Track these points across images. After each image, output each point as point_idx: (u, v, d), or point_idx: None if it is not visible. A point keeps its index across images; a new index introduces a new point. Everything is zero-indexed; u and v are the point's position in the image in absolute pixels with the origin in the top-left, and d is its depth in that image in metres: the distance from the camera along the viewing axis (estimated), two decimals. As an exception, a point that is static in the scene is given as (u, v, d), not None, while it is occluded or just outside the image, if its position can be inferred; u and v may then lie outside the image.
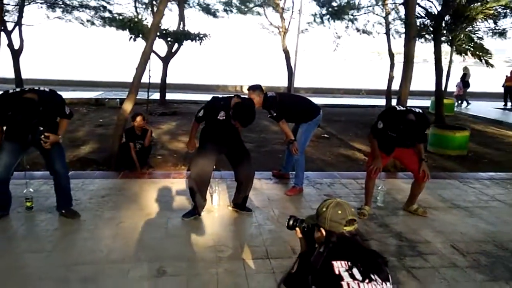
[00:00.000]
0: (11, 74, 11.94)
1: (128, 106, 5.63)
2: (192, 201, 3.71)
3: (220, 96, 3.75)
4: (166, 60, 12.43)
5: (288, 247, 3.23)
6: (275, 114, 4.32)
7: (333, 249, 1.73)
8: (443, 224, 3.79)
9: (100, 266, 2.83)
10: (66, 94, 14.10)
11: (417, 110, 3.71)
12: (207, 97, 14.59)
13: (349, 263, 1.66)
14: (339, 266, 1.64)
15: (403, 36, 15.02)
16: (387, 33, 14.38)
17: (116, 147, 5.57)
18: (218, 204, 4.02)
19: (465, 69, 15.39)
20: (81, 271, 2.75)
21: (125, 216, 3.69)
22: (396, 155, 4.07)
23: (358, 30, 15.10)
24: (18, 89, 3.34)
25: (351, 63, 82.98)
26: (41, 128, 3.35)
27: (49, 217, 3.60)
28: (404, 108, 3.82)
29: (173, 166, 6.02)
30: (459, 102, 15.06)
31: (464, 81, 15.23)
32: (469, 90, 15.70)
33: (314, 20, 15.20)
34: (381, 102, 15.07)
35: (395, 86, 14.52)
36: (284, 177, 5.01)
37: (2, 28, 10.05)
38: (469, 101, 15.27)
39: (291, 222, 2.00)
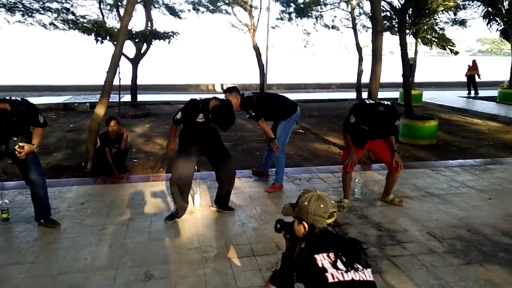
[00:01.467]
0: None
1: (100, 111, 5.52)
2: (174, 203, 3.71)
3: (198, 98, 3.75)
4: (135, 61, 12.24)
5: (272, 243, 3.29)
6: (253, 114, 4.37)
7: (314, 242, 1.78)
8: (418, 213, 3.96)
9: (85, 274, 2.80)
10: (33, 100, 13.60)
11: (386, 102, 3.86)
12: (179, 97, 14.47)
13: (331, 254, 1.71)
14: (322, 259, 1.69)
15: (369, 30, 15.43)
16: (354, 27, 14.70)
17: (91, 153, 5.47)
18: (200, 205, 4.03)
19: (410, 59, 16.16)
20: (66, 280, 2.71)
21: (106, 222, 3.65)
22: (369, 148, 4.21)
23: (326, 26, 15.36)
24: None
25: (320, 57, 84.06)
26: (15, 139, 3.26)
27: (27, 228, 3.52)
28: (374, 101, 3.96)
29: (150, 169, 5.97)
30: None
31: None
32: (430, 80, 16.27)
33: (282, 18, 15.36)
34: (352, 95, 15.38)
35: (365, 79, 14.92)
36: (263, 175, 5.07)
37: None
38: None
39: (278, 226, 2.05)
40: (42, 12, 12.67)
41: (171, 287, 2.68)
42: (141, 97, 13.20)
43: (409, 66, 10.29)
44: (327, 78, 25.46)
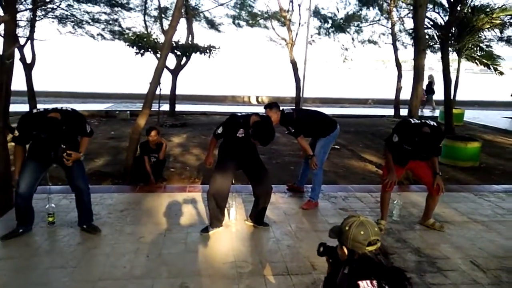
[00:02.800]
0: (24, 87, 12.11)
1: (142, 121, 5.71)
2: (211, 216, 3.76)
3: (239, 114, 3.80)
4: (175, 72, 12.58)
5: (307, 263, 3.25)
6: (293, 130, 4.38)
7: (358, 268, 1.76)
8: (460, 239, 3.80)
9: (123, 282, 2.87)
10: (76, 106, 14.30)
11: (431, 122, 3.74)
12: (216, 108, 14.69)
13: (375, 282, 1.68)
14: (365, 286, 1.67)
15: (409, 46, 15.17)
16: (394, 43, 14.48)
17: (131, 161, 5.64)
18: (235, 218, 4.06)
19: (430, 77, 15.65)
20: (106, 287, 2.79)
21: (144, 231, 3.74)
22: (410, 167, 4.09)
23: (364, 42, 15.21)
24: (42, 109, 3.44)
25: (356, 71, 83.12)
26: (63, 146, 3.43)
27: (71, 232, 3.66)
28: (419, 121, 3.84)
29: (186, 179, 6.08)
30: (421, 107, 15.42)
31: (430, 88, 15.63)
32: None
33: (319, 33, 15.37)
34: (389, 112, 15.09)
35: (403, 95, 14.60)
36: (298, 191, 5.04)
37: (18, 45, 10.24)
38: (436, 107, 15.74)
39: (321, 249, 2.04)
40: (91, 23, 13.31)
41: (206, 301, 2.70)
42: (179, 107, 13.54)
43: (451, 84, 10.01)
44: (364, 93, 25.12)
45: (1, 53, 4.94)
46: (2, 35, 6.06)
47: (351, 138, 9.97)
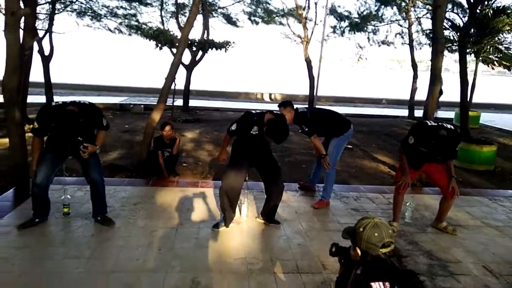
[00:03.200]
0: (41, 79, 12.31)
1: (156, 116, 5.76)
2: (222, 212, 3.79)
3: (253, 111, 3.81)
4: (190, 67, 12.64)
5: (318, 262, 3.26)
6: (306, 129, 4.38)
7: (370, 270, 1.76)
8: (473, 244, 3.76)
9: (136, 274, 2.92)
10: (91, 99, 14.50)
11: (448, 125, 3.70)
12: (229, 104, 14.71)
13: (387, 284, 1.69)
14: (378, 287, 1.68)
15: (425, 46, 14.97)
16: (410, 44, 14.32)
17: (145, 155, 5.71)
18: (246, 215, 4.08)
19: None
20: (119, 279, 2.84)
21: (157, 225, 3.79)
22: (425, 170, 4.06)
23: (380, 42, 15.06)
24: (60, 102, 3.50)
25: (371, 71, 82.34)
26: (80, 139, 3.49)
27: (85, 223, 3.73)
28: (436, 124, 3.79)
29: (198, 174, 6.12)
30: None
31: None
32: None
33: (334, 32, 15.27)
34: (403, 112, 14.95)
35: (418, 96, 14.42)
36: (310, 189, 5.04)
37: (37, 38, 10.42)
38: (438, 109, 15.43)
39: (333, 250, 2.05)
40: (109, 17, 13.46)
41: (217, 296, 2.73)
42: (192, 102, 13.61)
43: (467, 86, 9.86)
44: (378, 93, 24.91)
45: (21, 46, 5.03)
46: (22, 28, 6.20)
47: (364, 138, 9.91)
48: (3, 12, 4.95)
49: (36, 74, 11.89)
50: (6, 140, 5.60)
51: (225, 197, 3.64)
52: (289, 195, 4.80)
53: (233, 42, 11.43)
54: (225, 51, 11.10)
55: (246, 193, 4.19)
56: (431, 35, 9.80)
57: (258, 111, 3.80)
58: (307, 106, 5.27)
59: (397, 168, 4.19)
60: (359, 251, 1.84)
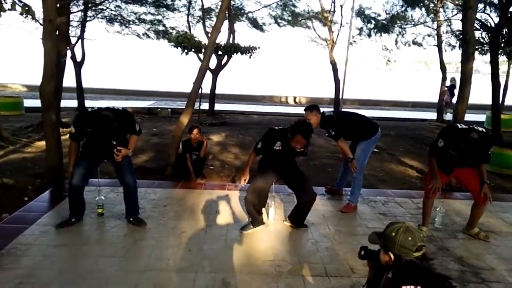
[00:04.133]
0: (73, 84, 12.74)
1: (185, 119, 5.89)
2: (249, 216, 3.83)
3: (276, 127, 3.85)
4: (215, 71, 12.81)
5: (346, 265, 3.26)
6: (333, 133, 4.38)
7: (403, 273, 1.77)
8: (507, 250, 3.67)
9: (168, 274, 3.01)
10: (121, 103, 14.92)
11: (480, 128, 3.61)
12: (254, 108, 14.74)
13: (419, 287, 1.69)
14: None
15: (455, 48, 14.61)
16: (439, 45, 14.01)
17: (174, 158, 5.84)
18: (274, 218, 4.12)
19: (453, 80, 15.13)
20: (151, 278, 2.94)
21: (186, 226, 3.88)
22: (456, 175, 3.99)
23: (407, 43, 14.80)
24: (96, 108, 3.65)
25: (397, 73, 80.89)
26: (114, 143, 3.62)
27: (118, 224, 3.86)
28: (467, 126, 3.69)
29: (225, 177, 6.21)
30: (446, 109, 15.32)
31: (452, 91, 15.08)
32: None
33: (360, 34, 15.11)
34: (432, 115, 14.65)
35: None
36: (337, 193, 5.03)
37: (72, 45, 10.83)
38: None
39: (362, 253, 2.06)
40: (138, 23, 13.83)
41: (246, 297, 2.78)
42: (218, 106, 13.78)
43: (499, 89, 9.59)
44: (405, 96, 24.46)
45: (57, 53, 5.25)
46: (57, 36, 6.48)
47: (391, 141, 9.77)
48: (41, 21, 5.17)
49: (68, 79, 12.34)
50: (43, 143, 5.86)
51: (250, 205, 3.70)
52: (316, 199, 4.78)
53: (258, 48, 11.51)
54: (250, 57, 11.19)
55: (273, 196, 4.23)
56: (461, 37, 9.57)
57: (281, 127, 3.85)
58: (333, 109, 5.25)
59: (427, 172, 4.13)
60: (392, 256, 1.85)
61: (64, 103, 11.77)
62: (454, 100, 15.47)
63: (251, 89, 23.71)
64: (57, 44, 6.46)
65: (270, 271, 3.13)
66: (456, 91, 15.09)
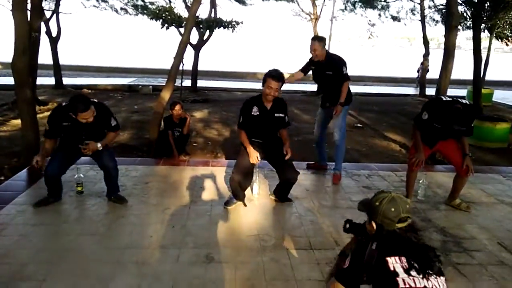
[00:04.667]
0: (49, 61, 12.30)
1: (166, 95, 5.73)
2: (233, 191, 3.77)
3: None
4: (197, 47, 12.53)
5: (330, 238, 3.26)
6: (346, 72, 4.33)
7: (386, 244, 1.74)
8: (487, 220, 3.73)
9: (151, 251, 2.95)
10: (100, 80, 14.52)
11: (464, 101, 3.61)
12: (237, 84, 14.58)
13: (403, 258, 1.67)
14: (394, 262, 1.66)
15: (437, 24, 14.61)
16: (422, 20, 13.98)
17: (155, 135, 5.71)
18: (258, 193, 4.08)
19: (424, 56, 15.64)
20: (134, 255, 2.88)
21: (169, 203, 3.81)
22: (439, 148, 4.00)
23: (392, 18, 14.73)
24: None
25: (380, 50, 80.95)
26: (86, 142, 3.47)
27: (98, 202, 3.76)
28: (451, 99, 3.68)
29: (209, 154, 6.13)
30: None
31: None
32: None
33: (345, 8, 14.95)
34: (414, 91, 14.75)
35: (430, 74, 14.17)
36: (321, 168, 5.01)
37: (45, 18, 10.35)
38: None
39: (347, 226, 2.02)
40: (115, -3, 13.34)
41: (231, 271, 2.75)
42: (200, 83, 13.55)
43: (481, 63, 9.64)
44: (387, 71, 24.53)
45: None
46: (29, 9, 6.16)
47: (375, 117, 9.82)
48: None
49: (44, 56, 11.91)
50: (18, 121, 5.65)
51: (237, 181, 3.63)
52: (300, 173, 4.76)
53: (241, 22, 11.27)
54: (232, 31, 10.95)
55: (257, 171, 4.17)
56: (444, 11, 9.54)
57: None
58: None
59: (410, 146, 4.14)
60: (374, 225, 1.82)
61: (40, 80, 11.41)
62: (459, 76, 15.86)
63: (234, 66, 23.37)
64: (30, 16, 6.17)
65: (254, 245, 3.11)
66: (456, 65, 15.54)
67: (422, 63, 14.91)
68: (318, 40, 4.35)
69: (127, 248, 2.97)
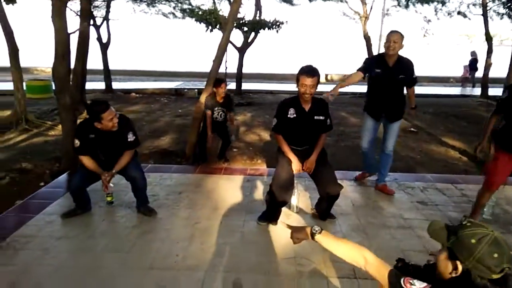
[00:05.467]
0: (99, 66, 12.68)
1: (205, 99, 5.52)
2: (267, 211, 3.43)
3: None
4: (242, 50, 12.34)
5: (378, 265, 2.83)
6: (415, 76, 3.93)
7: None
8: None
9: (174, 272, 2.69)
10: (148, 84, 14.79)
11: None
12: (283, 87, 14.18)
13: None
14: None
15: (504, 18, 13.35)
16: (484, 14, 12.83)
17: (194, 140, 5.52)
18: (297, 208, 3.72)
19: (473, 53, 15.06)
20: (155, 276, 2.63)
21: (201, 216, 3.56)
22: None
23: (449, 13, 13.67)
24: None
25: (436, 48, 76.95)
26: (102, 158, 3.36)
27: (128, 213, 3.59)
28: None
29: (249, 160, 5.84)
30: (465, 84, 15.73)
31: (474, 65, 15.24)
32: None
33: (399, 4, 14.10)
34: (476, 91, 13.60)
35: (493, 73, 13.00)
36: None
37: (92, 23, 10.64)
38: (474, 84, 15.42)
39: (399, 265, 1.60)
40: (163, 2, 13.50)
41: (261, 302, 2.42)
42: (245, 86, 13.35)
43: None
44: (445, 71, 23.01)
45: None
46: (79, 14, 6.24)
47: (430, 119, 9.05)
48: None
49: (95, 61, 12.30)
50: (61, 126, 5.69)
51: (275, 193, 3.22)
52: (345, 184, 4.32)
53: (286, 22, 10.92)
54: (277, 32, 10.62)
55: (296, 182, 3.81)
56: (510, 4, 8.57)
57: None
58: None
59: (487, 163, 3.47)
60: (460, 269, 1.33)
61: (91, 85, 11.78)
62: (478, 74, 15.29)
63: (280, 68, 23.03)
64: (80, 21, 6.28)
65: (289, 271, 2.75)
66: (480, 65, 14.81)
67: (470, 62, 14.10)
68: (396, 32, 3.79)
69: (150, 269, 2.73)
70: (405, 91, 4.10)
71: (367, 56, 12.58)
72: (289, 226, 1.90)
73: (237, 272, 2.71)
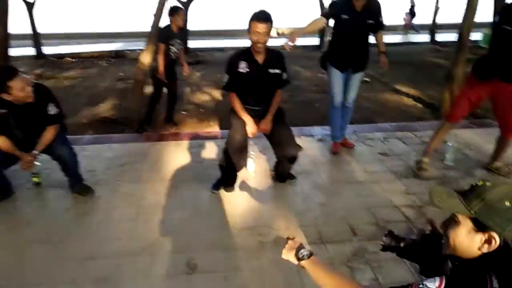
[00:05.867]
0: (27, 30, 11.36)
1: (146, 58, 4.97)
2: (221, 172, 3.08)
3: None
4: (186, 4, 11.46)
5: (346, 226, 2.60)
6: (382, 20, 3.55)
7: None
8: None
9: (116, 261, 2.30)
10: (85, 47, 13.56)
11: None
12: (232, 43, 13.44)
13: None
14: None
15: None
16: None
17: (136, 105, 4.99)
18: (254, 171, 3.39)
19: (412, 1, 16.07)
20: (93, 269, 2.23)
21: (146, 190, 3.14)
22: (492, 93, 3.04)
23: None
24: None
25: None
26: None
27: (59, 194, 3.09)
28: None
29: (199, 122, 5.40)
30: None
31: (412, 11, 16.19)
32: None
33: None
34: (423, 38, 13.70)
35: (440, 18, 13.08)
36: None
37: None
38: (418, 29, 16.24)
39: (387, 242, 1.31)
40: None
41: (219, 284, 2.11)
42: (192, 43, 12.54)
43: None
44: (395, 19, 23.10)
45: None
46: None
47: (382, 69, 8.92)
48: None
49: (22, 23, 10.99)
50: None
51: (229, 156, 2.88)
52: (304, 141, 4.05)
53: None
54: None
55: (251, 143, 3.46)
56: None
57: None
58: None
59: (456, 95, 3.33)
60: (497, 239, 1.03)
61: (18, 52, 10.55)
62: (414, 21, 16.30)
63: (228, 23, 22.05)
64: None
65: (250, 243, 2.45)
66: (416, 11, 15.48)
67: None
68: None
69: (87, 259, 2.32)
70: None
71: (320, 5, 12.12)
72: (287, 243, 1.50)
73: (190, 251, 2.36)
